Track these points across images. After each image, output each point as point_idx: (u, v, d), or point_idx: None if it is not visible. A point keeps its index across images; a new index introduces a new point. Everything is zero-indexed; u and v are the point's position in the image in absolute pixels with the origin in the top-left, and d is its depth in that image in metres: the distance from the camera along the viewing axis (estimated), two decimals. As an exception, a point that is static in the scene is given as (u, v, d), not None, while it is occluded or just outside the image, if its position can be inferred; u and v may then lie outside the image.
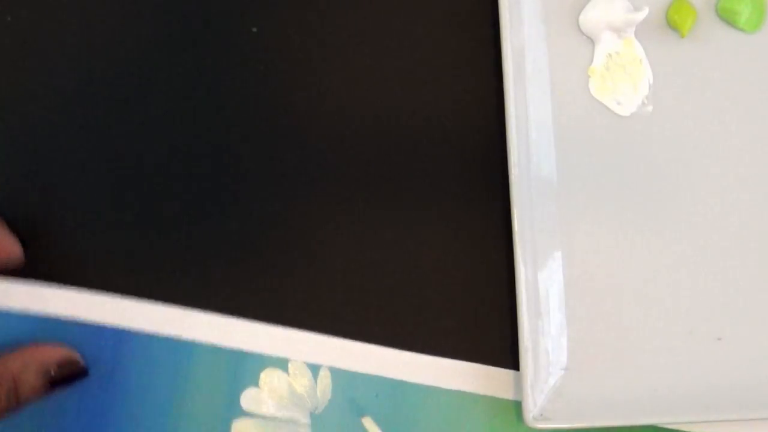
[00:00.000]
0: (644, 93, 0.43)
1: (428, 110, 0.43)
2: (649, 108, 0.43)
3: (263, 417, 0.42)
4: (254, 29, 0.44)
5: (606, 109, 0.43)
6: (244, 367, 0.42)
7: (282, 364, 0.43)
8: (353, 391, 0.42)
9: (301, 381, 0.43)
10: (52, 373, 0.38)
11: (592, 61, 0.43)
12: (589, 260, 0.43)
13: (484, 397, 0.42)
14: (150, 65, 0.44)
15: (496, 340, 0.43)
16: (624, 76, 0.43)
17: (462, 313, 0.43)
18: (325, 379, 0.43)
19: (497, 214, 0.43)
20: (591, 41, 0.43)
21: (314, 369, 0.43)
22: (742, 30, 0.43)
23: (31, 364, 0.37)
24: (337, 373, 0.43)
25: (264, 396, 0.42)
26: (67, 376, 0.39)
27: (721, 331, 0.43)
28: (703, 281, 0.43)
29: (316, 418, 0.42)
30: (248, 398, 0.42)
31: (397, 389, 0.42)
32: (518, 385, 0.42)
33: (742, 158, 0.43)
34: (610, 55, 0.43)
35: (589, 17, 0.43)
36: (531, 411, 0.41)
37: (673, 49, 0.43)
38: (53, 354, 0.39)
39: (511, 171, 0.41)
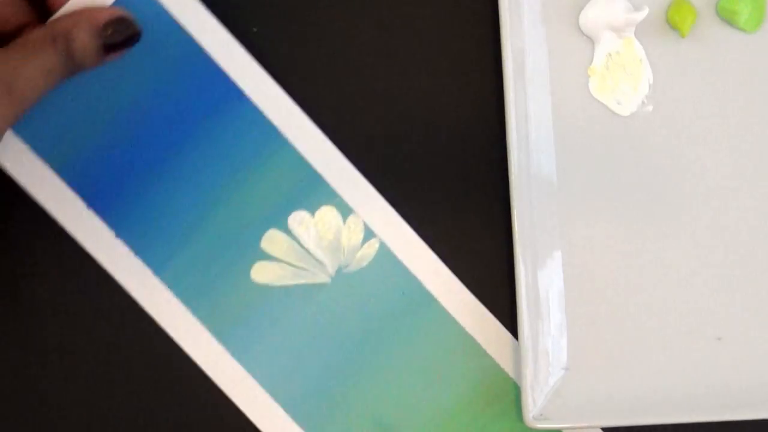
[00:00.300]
0: (644, 93, 0.43)
1: (428, 110, 0.43)
2: (649, 108, 0.43)
3: (299, 243, 0.42)
4: (255, 29, 0.44)
5: (606, 109, 0.43)
6: (311, 190, 0.42)
7: (345, 210, 0.43)
8: (386, 275, 0.43)
9: (351, 235, 0.43)
10: (108, 31, 0.37)
11: (592, 61, 0.43)
12: (589, 260, 0.43)
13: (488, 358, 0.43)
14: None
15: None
16: (624, 76, 0.43)
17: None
18: (370, 248, 0.43)
19: (497, 214, 0.43)
20: (591, 41, 0.43)
21: (368, 234, 0.43)
22: (742, 30, 0.43)
23: (83, 22, 0.36)
24: (383, 250, 0.43)
25: (311, 226, 0.43)
26: (120, 36, 0.37)
27: (721, 331, 0.43)
28: (703, 281, 0.43)
29: (340, 276, 0.43)
30: (297, 220, 0.43)
31: (424, 301, 0.43)
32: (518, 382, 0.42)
33: (742, 158, 0.43)
34: (610, 55, 0.43)
35: (589, 17, 0.43)
36: (531, 411, 0.41)
37: (673, 49, 0.43)
38: (106, 13, 0.37)
39: (511, 171, 0.41)
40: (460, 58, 0.43)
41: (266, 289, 0.43)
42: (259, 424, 0.42)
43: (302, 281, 0.43)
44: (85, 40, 0.36)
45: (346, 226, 0.43)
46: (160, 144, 0.42)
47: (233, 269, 0.42)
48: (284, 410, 0.42)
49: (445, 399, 0.42)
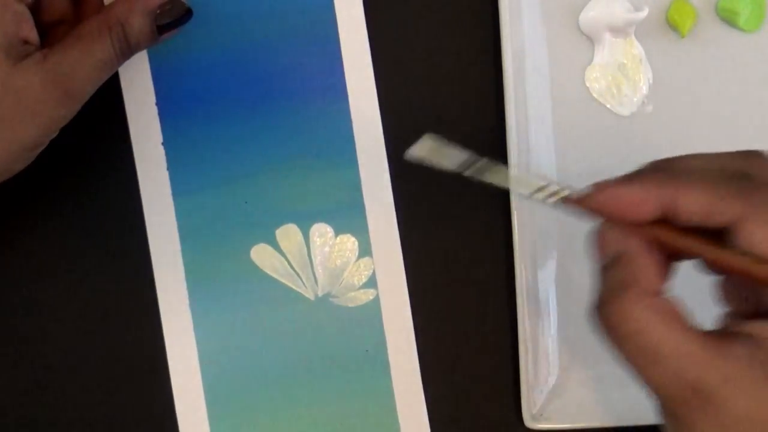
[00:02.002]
0: (644, 93, 0.43)
1: (428, 110, 0.43)
2: (649, 108, 0.43)
3: (307, 251, 0.43)
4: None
5: (606, 109, 0.43)
6: (347, 213, 0.42)
7: (364, 249, 0.43)
8: (364, 326, 0.43)
9: (355, 274, 0.43)
10: (158, 11, 0.37)
11: (592, 61, 0.43)
12: (589, 260, 0.43)
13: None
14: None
15: (495, 340, 0.43)
16: (624, 76, 0.43)
17: (462, 313, 0.43)
18: (365, 295, 0.43)
19: (497, 214, 0.43)
20: (591, 41, 0.43)
21: (371, 281, 0.43)
22: (742, 30, 0.43)
23: (137, 8, 0.37)
24: (374, 304, 0.43)
25: (328, 244, 0.43)
26: (172, 17, 0.38)
27: (721, 331, 0.43)
28: (702, 281, 0.43)
29: (324, 302, 0.43)
30: (319, 230, 0.43)
31: (379, 368, 0.43)
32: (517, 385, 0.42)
33: (741, 158, 0.43)
34: (610, 54, 0.43)
35: (589, 17, 0.43)
36: (530, 411, 0.41)
37: (673, 49, 0.43)
38: None
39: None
40: (460, 58, 0.43)
41: (256, 271, 0.43)
42: (175, 393, 0.42)
43: (290, 285, 0.43)
44: (140, 25, 0.37)
45: (357, 264, 0.43)
46: (249, 94, 0.42)
47: (237, 238, 0.43)
48: (204, 392, 0.43)
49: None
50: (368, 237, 0.43)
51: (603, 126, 0.43)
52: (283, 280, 0.43)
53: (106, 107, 0.42)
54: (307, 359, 0.43)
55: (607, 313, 0.30)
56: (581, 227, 0.43)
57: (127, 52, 0.37)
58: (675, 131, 0.43)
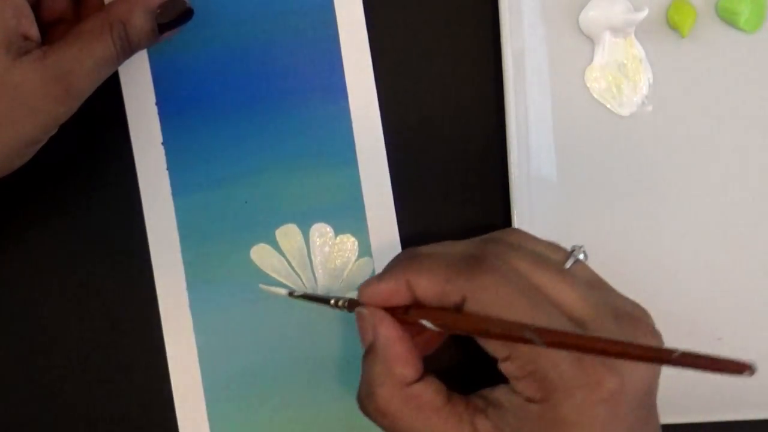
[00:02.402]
0: (644, 93, 0.43)
1: (428, 110, 0.43)
2: (649, 108, 0.43)
3: (307, 251, 0.43)
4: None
5: (606, 109, 0.43)
6: (347, 214, 0.43)
7: (363, 249, 0.43)
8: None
9: (355, 273, 0.43)
10: (161, 12, 0.37)
11: (592, 61, 0.43)
12: (589, 260, 0.43)
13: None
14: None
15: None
16: (624, 76, 0.43)
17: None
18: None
19: (497, 214, 0.43)
20: (591, 41, 0.43)
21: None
22: (742, 30, 0.43)
23: (138, 6, 0.37)
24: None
25: (328, 244, 0.43)
26: (173, 16, 0.38)
27: (721, 331, 0.43)
28: (703, 281, 0.43)
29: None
30: (319, 230, 0.43)
31: None
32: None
33: (742, 158, 0.43)
34: (610, 55, 0.43)
35: (589, 17, 0.43)
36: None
37: (673, 49, 0.43)
38: None
39: (511, 171, 0.41)
40: (460, 58, 0.43)
41: (256, 271, 0.43)
42: (175, 393, 0.42)
43: (290, 285, 0.43)
44: (141, 24, 0.37)
45: (357, 264, 0.43)
46: (249, 94, 0.42)
47: (237, 238, 0.43)
48: (204, 392, 0.42)
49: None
50: (368, 237, 0.43)
51: (603, 126, 0.43)
52: (283, 280, 0.43)
53: (106, 107, 0.42)
54: (307, 359, 0.43)
55: (367, 407, 0.35)
56: (582, 227, 0.43)
57: (127, 50, 0.37)
58: (675, 131, 0.43)
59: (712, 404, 0.42)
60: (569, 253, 0.36)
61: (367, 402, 0.35)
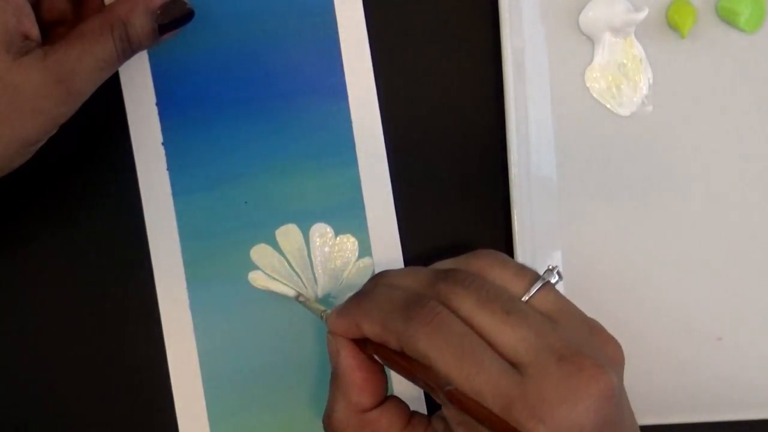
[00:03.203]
0: (644, 93, 0.43)
1: (428, 110, 0.43)
2: (649, 108, 0.43)
3: (307, 251, 0.43)
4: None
5: (606, 109, 0.43)
6: (347, 213, 0.43)
7: (364, 249, 0.43)
8: None
9: (356, 273, 0.43)
10: (162, 13, 0.37)
11: (592, 61, 0.43)
12: (589, 260, 0.43)
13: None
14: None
15: None
16: (624, 76, 0.43)
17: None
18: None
19: (497, 214, 0.43)
20: (591, 41, 0.43)
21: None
22: (742, 30, 0.43)
23: (139, 7, 0.37)
24: None
25: (328, 245, 0.43)
26: (173, 17, 0.38)
27: (721, 331, 0.43)
28: (703, 281, 0.43)
29: (325, 302, 0.42)
30: (319, 231, 0.43)
31: None
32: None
33: (742, 158, 0.43)
34: (610, 55, 0.43)
35: (589, 17, 0.43)
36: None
37: (673, 49, 0.43)
38: None
39: (511, 171, 0.41)
40: (460, 58, 0.43)
41: (253, 268, 0.43)
42: (175, 393, 0.42)
43: (291, 285, 0.43)
44: (142, 25, 0.37)
45: (357, 264, 0.43)
46: (249, 95, 0.43)
47: (237, 238, 0.43)
48: (204, 392, 0.42)
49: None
50: (368, 237, 0.43)
51: (603, 126, 0.43)
52: (283, 279, 0.43)
53: (107, 107, 0.42)
54: (307, 359, 0.43)
55: (327, 426, 0.36)
56: (582, 226, 0.43)
57: (128, 51, 0.37)
58: (675, 131, 0.43)
59: (713, 404, 0.42)
60: (534, 279, 0.35)
61: (327, 423, 0.36)
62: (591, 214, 0.43)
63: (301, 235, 0.43)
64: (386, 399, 0.36)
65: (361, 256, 0.43)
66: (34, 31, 0.36)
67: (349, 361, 0.36)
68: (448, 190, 0.43)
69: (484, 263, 0.36)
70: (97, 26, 0.36)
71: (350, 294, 0.42)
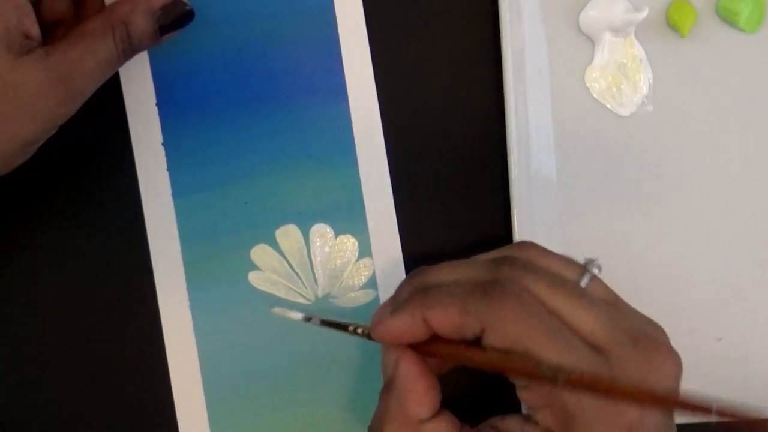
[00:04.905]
0: (644, 93, 0.43)
1: (428, 110, 0.43)
2: (649, 108, 0.43)
3: (307, 251, 0.43)
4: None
5: (606, 109, 0.43)
6: (347, 214, 0.42)
7: (364, 249, 0.43)
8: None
9: (356, 274, 0.43)
10: (163, 14, 0.37)
11: (592, 61, 0.43)
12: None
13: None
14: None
15: None
16: (624, 76, 0.43)
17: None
18: (366, 295, 0.43)
19: (497, 214, 0.43)
20: (591, 41, 0.43)
21: (371, 282, 0.43)
22: (742, 30, 0.43)
23: (140, 7, 0.37)
24: (375, 303, 0.43)
25: (328, 245, 0.43)
26: (174, 17, 0.38)
27: (721, 331, 0.43)
28: (703, 281, 0.43)
29: (324, 302, 0.43)
30: (319, 231, 0.43)
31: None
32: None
33: (742, 158, 0.43)
34: (610, 55, 0.43)
35: (589, 17, 0.43)
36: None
37: (673, 49, 0.43)
38: None
39: (511, 171, 0.41)
40: (460, 58, 0.43)
41: (253, 269, 0.43)
42: (175, 393, 0.42)
43: (291, 286, 0.43)
44: (142, 26, 0.37)
45: (357, 265, 0.43)
46: (249, 95, 0.43)
47: (237, 239, 0.43)
48: (204, 392, 0.42)
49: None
50: (368, 237, 0.43)
51: (603, 126, 0.43)
52: (282, 280, 0.43)
53: (107, 108, 0.42)
54: (307, 360, 0.43)
55: None
56: (582, 226, 0.43)
57: (129, 51, 0.37)
58: (675, 131, 0.43)
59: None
60: (583, 269, 0.34)
61: None
62: (591, 214, 0.43)
63: (301, 235, 0.43)
64: (439, 411, 0.34)
65: (361, 256, 0.43)
66: (35, 31, 0.36)
67: (411, 369, 0.34)
68: (448, 190, 0.43)
69: (533, 253, 0.35)
70: (98, 26, 0.36)
71: (351, 294, 0.42)
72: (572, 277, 0.34)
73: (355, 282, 0.43)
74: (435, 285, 0.34)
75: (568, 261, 0.35)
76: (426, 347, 0.34)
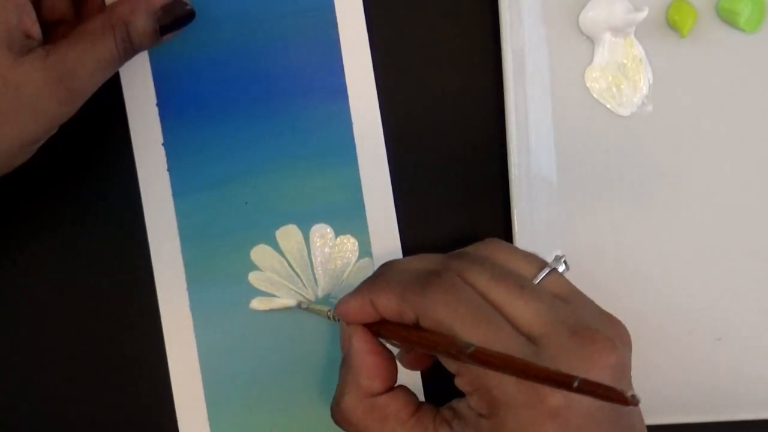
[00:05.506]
0: (644, 93, 0.43)
1: (428, 110, 0.43)
2: (649, 108, 0.43)
3: (307, 251, 0.43)
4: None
5: (606, 109, 0.43)
6: (347, 214, 0.43)
7: (364, 249, 0.43)
8: None
9: (356, 274, 0.43)
10: (163, 14, 0.37)
11: (592, 61, 0.43)
12: (589, 260, 0.43)
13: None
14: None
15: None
16: (624, 76, 0.43)
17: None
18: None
19: (497, 214, 0.43)
20: (591, 41, 0.43)
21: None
22: (742, 30, 0.43)
23: (141, 7, 0.37)
24: None
25: (328, 245, 0.43)
26: (174, 17, 0.38)
27: (721, 331, 0.43)
28: (703, 281, 0.43)
29: (325, 302, 0.43)
30: (319, 232, 0.43)
31: None
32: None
33: (742, 158, 0.43)
34: (610, 55, 0.43)
35: (589, 17, 0.43)
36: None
37: (673, 49, 0.43)
38: None
39: (511, 171, 0.41)
40: (460, 58, 0.43)
41: (254, 269, 0.43)
42: (175, 393, 0.42)
43: (291, 286, 0.43)
44: (143, 26, 0.37)
45: (357, 265, 0.43)
46: (249, 95, 0.43)
47: (237, 239, 0.43)
48: (204, 392, 0.42)
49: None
50: (368, 237, 0.43)
51: (603, 126, 0.43)
52: (282, 281, 0.43)
53: (107, 108, 0.42)
54: (307, 360, 0.43)
55: (335, 414, 0.37)
56: (582, 226, 0.43)
57: (130, 51, 0.37)
58: (675, 131, 0.43)
59: (712, 404, 0.42)
60: (543, 265, 0.36)
61: (335, 410, 0.37)
62: (591, 214, 0.43)
63: (301, 235, 0.43)
64: (395, 386, 0.37)
65: (361, 256, 0.43)
66: (36, 30, 0.36)
67: (361, 345, 0.36)
68: (448, 190, 0.43)
69: (493, 248, 0.37)
70: (99, 26, 0.36)
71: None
72: (529, 272, 0.35)
73: (356, 282, 0.43)
74: (391, 271, 0.37)
75: (528, 257, 0.36)
76: (378, 328, 0.36)
